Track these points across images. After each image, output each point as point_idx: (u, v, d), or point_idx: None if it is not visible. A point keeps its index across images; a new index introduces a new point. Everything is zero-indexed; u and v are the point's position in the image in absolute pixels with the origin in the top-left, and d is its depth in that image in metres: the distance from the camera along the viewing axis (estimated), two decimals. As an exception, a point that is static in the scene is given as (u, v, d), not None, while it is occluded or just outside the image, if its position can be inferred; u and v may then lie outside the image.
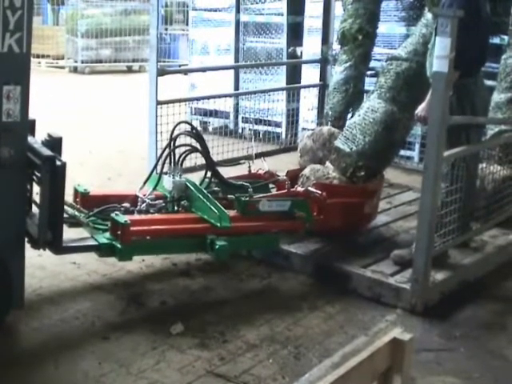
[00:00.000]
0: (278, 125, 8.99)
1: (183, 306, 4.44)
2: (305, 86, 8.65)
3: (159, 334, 4.03)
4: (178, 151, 4.89)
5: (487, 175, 5.56)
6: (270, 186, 5.34)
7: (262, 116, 8.96)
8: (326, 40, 7.51)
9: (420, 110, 4.77)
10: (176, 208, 4.72)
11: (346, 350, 3.92)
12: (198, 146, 4.91)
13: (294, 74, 8.99)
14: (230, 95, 8.80)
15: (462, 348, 4.11)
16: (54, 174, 3.84)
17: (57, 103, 10.96)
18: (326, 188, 5.13)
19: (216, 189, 4.97)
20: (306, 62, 8.78)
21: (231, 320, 4.27)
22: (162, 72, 6.16)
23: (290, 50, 9.05)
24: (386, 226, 5.75)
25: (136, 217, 4.51)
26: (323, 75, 7.57)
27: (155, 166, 5.00)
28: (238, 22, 9.33)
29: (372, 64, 6.97)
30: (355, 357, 2.33)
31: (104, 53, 15.62)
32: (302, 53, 8.99)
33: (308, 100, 8.62)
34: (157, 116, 6.11)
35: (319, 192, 5.02)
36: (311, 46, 8.62)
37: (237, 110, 9.18)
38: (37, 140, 4.16)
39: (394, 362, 2.42)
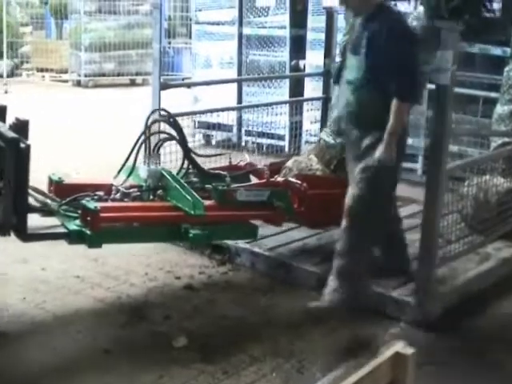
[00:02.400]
0: (281, 138, 9.00)
1: (186, 319, 4.43)
2: (308, 99, 8.64)
3: (162, 347, 4.03)
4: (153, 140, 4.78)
5: (491, 187, 5.55)
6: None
7: (265, 129, 8.97)
8: (328, 53, 7.51)
9: (378, 153, 4.37)
10: (151, 197, 4.61)
11: (349, 365, 3.91)
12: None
13: (297, 87, 8.99)
14: (233, 108, 8.80)
15: (464, 361, 4.10)
16: (19, 156, 3.78)
17: (60, 118, 10.99)
18: (308, 179, 5.01)
19: (194, 179, 4.86)
20: (309, 75, 8.79)
21: (234, 334, 4.26)
22: (165, 85, 6.16)
23: (292, 63, 9.07)
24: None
25: (107, 204, 4.39)
26: (326, 88, 7.56)
27: (129, 155, 4.81)
28: (240, 36, 9.35)
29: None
30: (358, 371, 2.32)
31: (107, 66, 15.65)
32: (304, 66, 9.00)
33: (311, 113, 8.62)
34: (160, 130, 6.09)
35: (299, 182, 4.91)
36: (314, 59, 8.63)
37: (240, 123, 9.18)
38: (4, 124, 4.09)
39: (397, 376, 2.40)
